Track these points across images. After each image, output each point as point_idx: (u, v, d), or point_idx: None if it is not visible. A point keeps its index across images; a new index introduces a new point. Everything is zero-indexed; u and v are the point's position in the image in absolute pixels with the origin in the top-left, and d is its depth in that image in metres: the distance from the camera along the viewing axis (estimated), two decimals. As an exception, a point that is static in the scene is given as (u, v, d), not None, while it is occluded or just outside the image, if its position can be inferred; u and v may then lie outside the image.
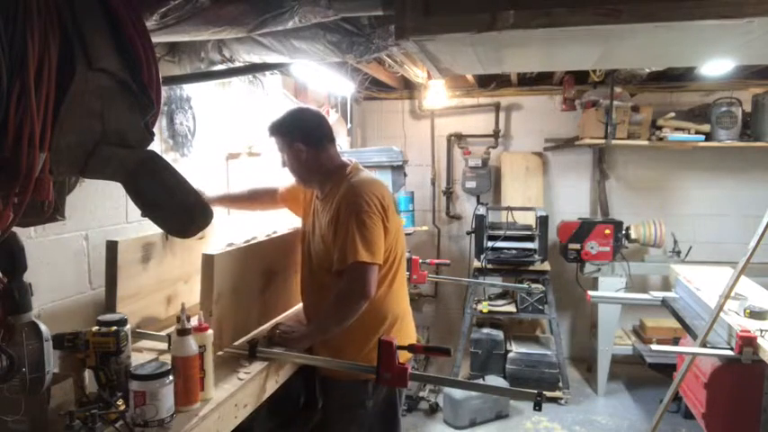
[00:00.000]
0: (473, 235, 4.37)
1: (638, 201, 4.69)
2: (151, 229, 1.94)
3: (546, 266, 4.20)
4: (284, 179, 2.57)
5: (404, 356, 1.87)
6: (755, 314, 2.65)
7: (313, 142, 2.07)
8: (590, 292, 3.57)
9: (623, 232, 4.14)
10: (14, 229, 1.11)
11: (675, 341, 3.78)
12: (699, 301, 3.03)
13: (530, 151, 4.82)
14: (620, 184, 4.73)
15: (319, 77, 3.17)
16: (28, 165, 1.01)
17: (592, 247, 4.06)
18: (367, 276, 1.90)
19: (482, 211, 4.32)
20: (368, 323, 2.00)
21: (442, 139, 4.96)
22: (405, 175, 3.96)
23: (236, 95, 2.83)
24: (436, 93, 4.64)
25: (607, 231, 4.06)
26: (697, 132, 4.20)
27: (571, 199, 4.81)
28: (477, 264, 4.26)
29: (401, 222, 2.21)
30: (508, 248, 4.22)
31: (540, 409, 1.55)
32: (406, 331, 2.18)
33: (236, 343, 1.94)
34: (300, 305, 2.47)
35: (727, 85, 4.34)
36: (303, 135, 2.06)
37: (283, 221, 2.62)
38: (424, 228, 4.77)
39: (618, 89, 4.19)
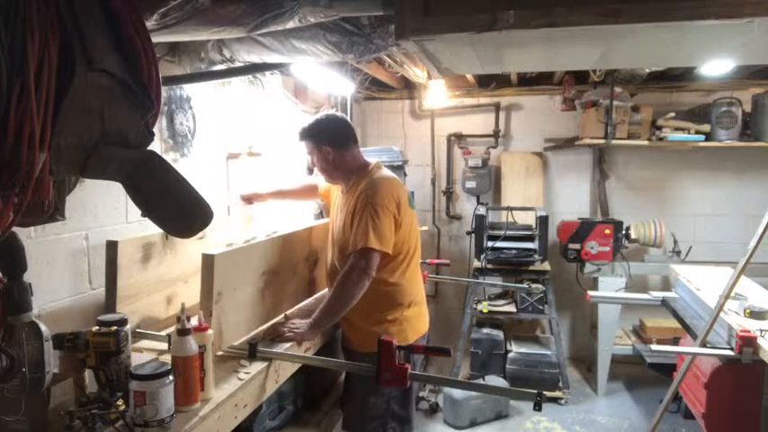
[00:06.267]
0: (473, 235, 4.37)
1: (638, 201, 4.69)
2: (151, 229, 1.93)
3: (546, 266, 4.21)
4: (288, 178, 2.69)
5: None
6: (755, 314, 2.65)
7: (339, 144, 2.32)
8: (590, 292, 3.57)
9: (623, 232, 4.13)
10: (14, 229, 1.11)
11: (675, 341, 3.78)
12: (699, 301, 3.03)
13: (530, 151, 4.82)
14: (620, 184, 4.72)
15: (319, 77, 3.17)
16: (28, 165, 1.00)
17: (592, 247, 4.06)
18: (371, 258, 2.11)
19: (482, 211, 4.32)
20: (388, 303, 2.26)
21: (441, 139, 4.96)
22: (405, 174, 3.97)
23: (236, 95, 2.83)
24: (436, 93, 4.64)
25: (607, 231, 4.06)
26: (697, 132, 4.19)
27: (571, 199, 4.81)
28: (477, 264, 4.26)
29: (415, 215, 2.42)
30: (508, 248, 4.22)
31: (540, 409, 1.55)
32: (423, 315, 2.43)
33: (236, 343, 1.94)
34: (300, 305, 2.49)
35: (727, 85, 4.34)
36: (330, 138, 2.32)
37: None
38: (424, 228, 4.77)
39: (618, 89, 4.18)
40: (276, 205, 3.08)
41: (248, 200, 2.87)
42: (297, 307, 2.45)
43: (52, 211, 1.20)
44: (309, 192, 2.86)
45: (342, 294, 2.12)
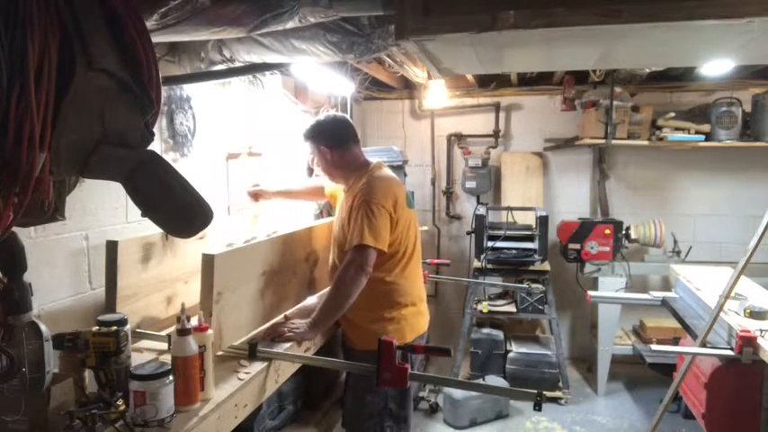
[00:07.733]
0: (473, 235, 4.37)
1: (638, 201, 4.69)
2: (151, 229, 1.93)
3: (546, 266, 4.20)
4: (295, 178, 2.92)
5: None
6: (755, 314, 2.65)
7: (337, 144, 2.36)
8: (590, 292, 3.57)
9: (623, 232, 4.14)
10: (14, 229, 1.11)
11: (675, 341, 3.78)
12: (699, 301, 3.03)
13: (530, 151, 4.82)
14: (620, 184, 4.72)
15: (319, 77, 3.16)
16: (28, 165, 1.00)
17: (592, 247, 4.06)
18: (367, 255, 2.13)
19: (482, 211, 4.31)
20: (386, 302, 2.28)
21: (442, 139, 4.96)
22: (405, 174, 3.97)
23: (236, 95, 2.83)
24: (436, 93, 4.64)
25: (607, 231, 4.06)
26: (697, 132, 4.19)
27: (571, 199, 4.81)
28: (477, 264, 4.26)
29: (414, 215, 2.44)
30: (508, 248, 4.22)
31: (540, 409, 1.55)
32: (422, 315, 2.43)
33: (236, 343, 1.94)
34: (300, 305, 2.49)
35: (727, 85, 4.34)
36: (328, 138, 2.37)
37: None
38: (424, 228, 4.77)
39: (618, 89, 4.18)
40: (276, 205, 3.09)
41: (255, 197, 2.92)
42: (297, 307, 2.45)
43: (52, 211, 1.20)
44: (316, 193, 2.91)
45: (339, 292, 2.14)
